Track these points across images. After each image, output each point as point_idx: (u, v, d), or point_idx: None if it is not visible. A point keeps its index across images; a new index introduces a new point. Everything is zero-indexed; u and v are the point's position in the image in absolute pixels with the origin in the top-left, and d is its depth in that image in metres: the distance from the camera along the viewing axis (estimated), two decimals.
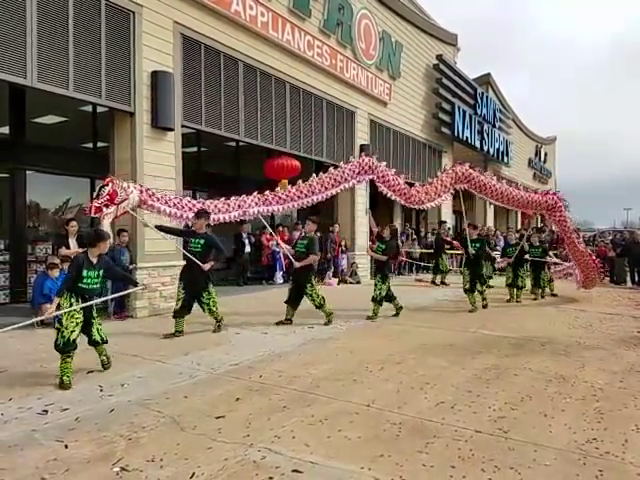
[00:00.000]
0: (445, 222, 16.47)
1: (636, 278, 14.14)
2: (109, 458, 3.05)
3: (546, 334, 6.92)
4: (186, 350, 5.75)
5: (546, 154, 31.74)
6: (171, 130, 8.26)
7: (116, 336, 6.58)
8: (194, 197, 13.24)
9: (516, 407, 4.03)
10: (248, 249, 12.27)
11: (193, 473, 2.87)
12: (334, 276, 13.15)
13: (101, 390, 4.33)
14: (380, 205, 18.82)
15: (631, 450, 3.23)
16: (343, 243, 13.45)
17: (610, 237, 17.67)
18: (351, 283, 13.25)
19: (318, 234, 10.66)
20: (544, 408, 4.00)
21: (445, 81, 17.58)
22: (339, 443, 3.31)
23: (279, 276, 12.62)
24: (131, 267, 7.76)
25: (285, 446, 3.24)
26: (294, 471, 2.91)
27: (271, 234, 12.49)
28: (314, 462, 3.02)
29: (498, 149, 21.97)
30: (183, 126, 8.67)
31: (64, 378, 4.44)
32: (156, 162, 8.09)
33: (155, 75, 7.96)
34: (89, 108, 9.46)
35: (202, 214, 6.69)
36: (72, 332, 4.56)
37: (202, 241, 6.58)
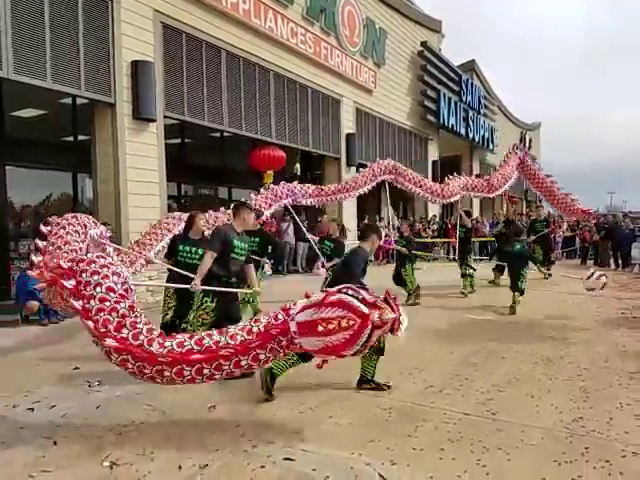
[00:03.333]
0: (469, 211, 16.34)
1: (619, 260, 14.34)
2: (99, 453, 3.03)
3: (532, 316, 7.01)
4: None
5: (531, 140, 31.93)
6: (153, 121, 8.15)
7: None
8: (179, 189, 13.17)
9: (504, 389, 4.09)
10: None
11: (179, 466, 2.86)
12: (323, 266, 13.13)
13: (89, 385, 4.29)
14: (368, 195, 18.84)
15: (615, 427, 3.30)
16: (331, 232, 13.41)
17: (594, 221, 17.85)
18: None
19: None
20: (531, 389, 4.06)
21: (430, 68, 17.56)
22: (330, 430, 3.33)
23: (267, 267, 12.57)
24: None
25: (276, 435, 3.24)
26: (285, 459, 2.92)
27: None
28: (305, 449, 3.03)
29: (483, 136, 22.05)
30: (165, 117, 8.56)
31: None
32: (138, 154, 7.98)
33: (135, 65, 7.83)
34: (69, 100, 9.28)
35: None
36: None
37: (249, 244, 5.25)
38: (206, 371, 2.96)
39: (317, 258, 12.88)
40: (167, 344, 2.96)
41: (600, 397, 3.87)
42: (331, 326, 2.74)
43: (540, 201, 16.06)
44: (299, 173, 13.19)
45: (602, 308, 7.75)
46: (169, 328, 4.70)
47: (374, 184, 9.39)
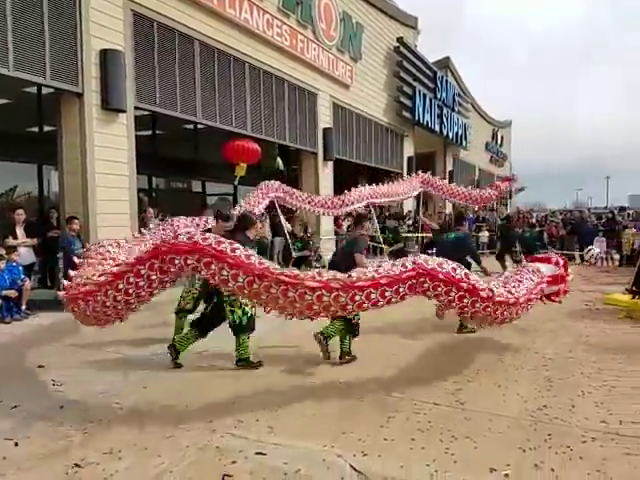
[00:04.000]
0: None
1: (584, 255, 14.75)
2: (63, 454, 2.96)
3: None
4: (145, 341, 5.59)
5: (502, 137, 32.47)
6: (123, 112, 7.95)
7: (70, 327, 6.40)
8: (150, 182, 12.96)
9: (472, 379, 4.19)
10: None
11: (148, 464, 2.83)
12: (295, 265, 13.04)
13: (54, 384, 4.17)
14: (345, 189, 18.83)
15: (577, 414, 3.43)
16: (309, 229, 13.38)
17: (561, 217, 18.35)
18: (316, 267, 13.23)
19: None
20: (498, 379, 4.18)
21: (406, 64, 17.63)
22: (302, 423, 3.35)
23: None
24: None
25: (248, 430, 3.24)
26: (257, 453, 2.92)
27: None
28: (278, 443, 3.04)
29: (457, 133, 22.28)
30: (136, 108, 8.36)
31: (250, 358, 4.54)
32: (108, 146, 7.78)
33: (104, 54, 7.62)
34: (34, 89, 9.00)
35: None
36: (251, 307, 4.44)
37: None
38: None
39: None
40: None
41: (563, 386, 4.00)
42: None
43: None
44: (282, 168, 13.11)
45: (567, 301, 7.93)
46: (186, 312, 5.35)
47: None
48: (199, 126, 11.95)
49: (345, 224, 15.56)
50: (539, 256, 5.99)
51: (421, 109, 18.46)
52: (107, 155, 7.79)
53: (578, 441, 3.03)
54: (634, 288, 7.16)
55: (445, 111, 20.69)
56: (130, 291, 3.71)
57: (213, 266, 3.59)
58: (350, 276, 3.62)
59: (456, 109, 22.06)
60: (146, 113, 9.51)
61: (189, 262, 3.65)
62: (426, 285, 3.77)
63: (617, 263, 13.58)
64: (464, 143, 23.49)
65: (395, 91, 17.41)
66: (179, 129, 12.84)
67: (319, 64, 13.04)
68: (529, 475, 2.65)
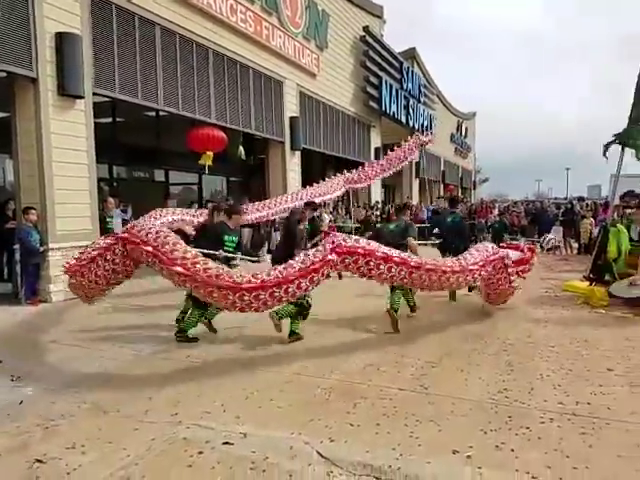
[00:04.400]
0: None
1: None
2: (23, 450, 2.88)
3: (463, 296, 7.31)
4: (108, 333, 5.49)
5: (467, 129, 33.01)
6: (81, 98, 7.67)
7: (30, 322, 6.21)
8: (110, 171, 12.61)
9: (436, 365, 4.28)
10: None
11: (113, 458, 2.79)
12: (268, 252, 12.98)
13: (12, 380, 4.04)
14: (313, 179, 18.80)
15: (535, 397, 3.55)
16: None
17: (522, 207, 18.87)
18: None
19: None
20: (461, 364, 4.28)
21: (372, 54, 17.63)
22: (270, 412, 3.35)
23: None
24: (41, 249, 7.21)
25: (215, 420, 3.23)
26: (225, 443, 2.91)
27: None
28: (245, 432, 3.04)
29: (423, 124, 22.44)
30: (95, 94, 8.08)
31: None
32: (65, 133, 7.50)
33: (60, 37, 7.32)
34: None
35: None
36: None
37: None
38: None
39: (262, 244, 12.82)
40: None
41: (523, 370, 4.13)
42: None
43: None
44: (244, 157, 12.96)
45: (528, 287, 8.20)
46: None
47: None
48: (161, 113, 11.68)
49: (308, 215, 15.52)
50: (511, 244, 7.32)
51: (388, 99, 18.55)
52: (65, 143, 7.52)
53: (537, 422, 3.14)
54: (591, 275, 7.42)
55: (411, 102, 20.85)
56: (107, 267, 4.65)
57: (151, 259, 4.35)
58: (279, 270, 4.19)
59: (422, 100, 22.26)
60: (106, 99, 9.22)
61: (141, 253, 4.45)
62: (347, 260, 4.44)
63: (575, 251, 14.08)
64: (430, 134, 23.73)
65: (362, 81, 17.43)
66: (141, 116, 12.51)
67: (285, 52, 12.91)
68: (490, 456, 2.73)
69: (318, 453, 2.77)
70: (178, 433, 3.05)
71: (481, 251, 5.48)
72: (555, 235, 14.61)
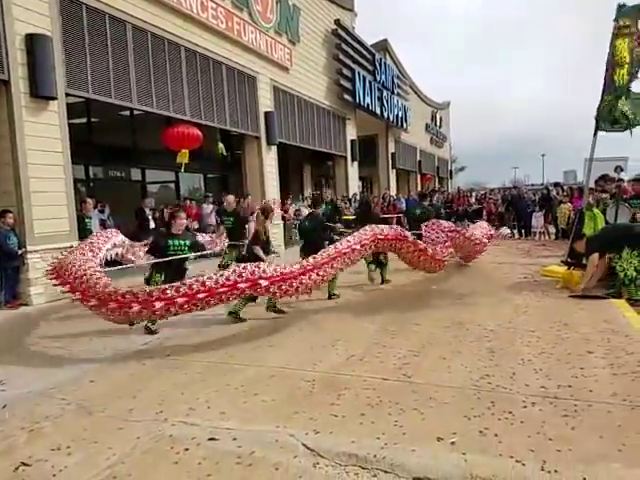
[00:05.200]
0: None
1: (522, 230, 15.50)
2: (8, 453, 2.86)
3: (443, 285, 7.43)
4: (90, 334, 5.45)
5: (441, 119, 33.25)
6: (54, 99, 7.56)
7: (11, 326, 6.13)
8: (86, 171, 12.43)
9: (418, 353, 4.33)
10: (152, 225, 11.70)
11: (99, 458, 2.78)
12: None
13: None
14: (291, 172, 18.86)
15: (517, 382, 3.61)
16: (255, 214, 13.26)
17: (499, 194, 19.13)
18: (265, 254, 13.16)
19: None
20: (443, 352, 4.34)
21: (344, 47, 17.63)
22: (255, 407, 3.37)
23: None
24: (20, 252, 7.12)
25: (200, 417, 3.23)
26: (210, 439, 2.92)
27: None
28: (230, 428, 3.05)
29: (397, 115, 22.59)
30: (68, 94, 7.97)
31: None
32: (39, 135, 7.39)
33: (30, 38, 7.20)
34: None
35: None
36: None
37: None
38: None
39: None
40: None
41: (504, 355, 4.20)
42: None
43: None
44: (224, 153, 12.88)
45: (507, 274, 8.36)
46: None
47: None
48: (136, 112, 11.55)
49: (292, 209, 15.57)
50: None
51: (361, 92, 18.58)
52: (39, 145, 7.41)
53: (519, 406, 3.19)
54: (569, 259, 7.54)
55: (385, 93, 20.91)
56: None
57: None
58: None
59: (396, 91, 22.34)
60: (79, 100, 9.08)
61: None
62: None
63: (553, 237, 14.35)
64: (405, 125, 23.89)
65: (335, 74, 17.43)
66: (115, 116, 12.37)
67: (257, 47, 12.84)
68: (474, 441, 2.78)
69: (304, 445, 2.80)
70: (163, 431, 3.05)
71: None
72: (537, 222, 14.86)
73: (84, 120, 12.04)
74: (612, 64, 7.47)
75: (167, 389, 3.74)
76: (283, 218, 14.61)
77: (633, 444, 2.68)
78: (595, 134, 7.79)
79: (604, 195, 8.59)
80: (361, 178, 21.64)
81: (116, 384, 3.92)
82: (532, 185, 37.97)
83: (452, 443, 2.76)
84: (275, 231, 13.85)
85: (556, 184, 22.53)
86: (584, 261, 7.03)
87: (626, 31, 7.39)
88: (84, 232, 8.69)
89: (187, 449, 2.82)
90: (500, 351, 4.30)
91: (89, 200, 9.57)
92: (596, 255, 6.49)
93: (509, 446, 2.71)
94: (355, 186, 19.59)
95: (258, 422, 3.11)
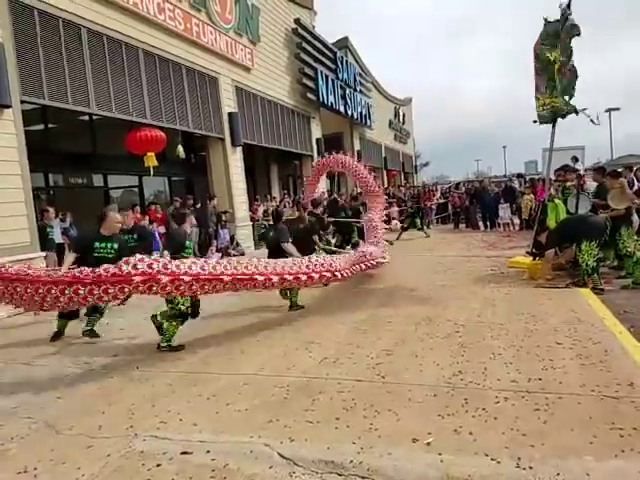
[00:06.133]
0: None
1: (487, 222, 15.80)
2: None
3: (412, 281, 7.48)
4: (55, 349, 5.27)
5: (404, 115, 33.60)
6: (8, 107, 7.28)
7: None
8: (46, 179, 12.03)
9: (391, 352, 4.34)
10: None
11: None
12: (217, 251, 12.81)
13: None
14: (257, 173, 18.71)
15: (489, 377, 3.65)
16: (223, 217, 13.12)
17: (464, 188, 19.44)
18: (235, 255, 13.04)
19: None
20: (415, 349, 4.36)
21: (305, 45, 17.61)
22: (228, 417, 3.31)
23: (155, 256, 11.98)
24: None
25: (172, 430, 3.16)
26: (183, 453, 2.85)
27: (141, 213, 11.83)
28: (203, 440, 2.98)
29: (361, 112, 22.71)
30: (23, 102, 7.70)
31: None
32: None
33: None
34: None
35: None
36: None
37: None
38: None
39: (210, 243, 12.63)
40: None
41: (475, 350, 4.25)
42: None
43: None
44: (183, 156, 12.68)
45: (474, 267, 8.49)
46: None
47: None
48: (95, 117, 11.24)
49: (261, 209, 15.45)
50: None
51: (324, 90, 18.60)
52: None
53: (492, 402, 3.22)
54: (534, 250, 7.69)
55: (348, 91, 20.98)
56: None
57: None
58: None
59: (358, 89, 22.46)
60: (36, 106, 8.77)
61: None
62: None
63: (517, 227, 14.68)
64: (369, 122, 24.04)
65: (297, 73, 17.39)
66: (74, 121, 12.00)
67: (217, 48, 12.69)
68: (450, 441, 2.78)
69: (279, 454, 2.76)
70: (134, 446, 2.97)
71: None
72: (504, 213, 15.19)
73: (41, 127, 11.66)
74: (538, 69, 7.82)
75: (137, 402, 3.64)
76: (252, 219, 14.49)
77: (603, 436, 2.74)
78: (554, 126, 7.97)
79: (569, 184, 8.76)
80: (328, 177, 21.64)
81: (84, 400, 3.80)
82: (495, 177, 38.80)
83: (427, 444, 2.77)
84: (244, 232, 13.77)
85: (519, 175, 23.04)
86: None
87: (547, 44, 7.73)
88: (47, 242, 8.43)
89: (159, 464, 2.75)
90: (471, 346, 4.34)
91: (50, 209, 9.28)
92: (551, 251, 6.75)
93: (484, 444, 2.72)
94: (322, 185, 19.56)
95: (232, 433, 3.06)
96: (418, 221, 14.96)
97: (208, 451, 2.86)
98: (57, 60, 8.27)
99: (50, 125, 11.97)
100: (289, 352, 4.58)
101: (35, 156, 8.04)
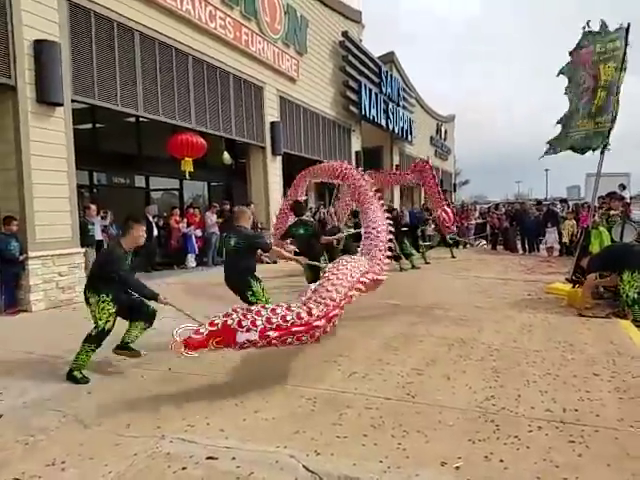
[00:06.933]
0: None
1: (526, 245, 15.40)
2: (2, 468, 2.79)
3: (447, 301, 7.33)
4: None
5: (446, 131, 33.28)
6: (60, 105, 7.56)
7: (9, 333, 6.07)
8: (90, 177, 12.43)
9: (422, 372, 4.24)
10: (156, 232, 11.65)
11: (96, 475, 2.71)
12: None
13: None
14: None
15: (523, 404, 3.53)
16: (259, 225, 13.23)
17: (504, 209, 19.05)
18: (267, 263, 13.10)
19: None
20: (447, 371, 4.25)
21: (351, 59, 17.70)
22: (255, 425, 3.29)
23: (192, 259, 12.20)
24: (21, 257, 7.09)
25: (199, 434, 3.16)
26: (208, 458, 2.85)
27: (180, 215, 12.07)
28: (229, 447, 2.97)
29: (402, 127, 22.60)
30: (74, 101, 7.98)
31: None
32: (44, 141, 7.38)
33: (39, 45, 7.21)
34: None
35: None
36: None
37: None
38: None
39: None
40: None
41: (509, 375, 4.12)
42: None
43: None
44: (229, 162, 12.88)
45: (511, 291, 8.28)
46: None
47: None
48: (141, 119, 11.56)
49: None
50: None
51: (367, 103, 18.61)
52: (44, 150, 7.40)
53: (525, 430, 3.11)
54: (574, 277, 7.46)
55: (391, 106, 20.94)
56: None
57: None
58: None
59: (401, 104, 22.38)
60: (85, 106, 9.09)
61: None
62: None
63: (557, 253, 14.26)
64: (410, 138, 23.90)
65: (341, 85, 17.48)
66: (121, 122, 12.39)
67: (264, 57, 12.89)
68: (479, 467, 2.70)
69: (304, 467, 2.72)
70: (161, 448, 2.98)
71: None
72: (550, 237, 14.84)
73: (89, 126, 12.08)
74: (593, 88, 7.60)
75: (166, 404, 3.67)
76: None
77: None
78: (602, 152, 7.74)
79: (613, 212, 8.47)
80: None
81: (114, 396, 3.85)
82: (536, 200, 37.92)
83: (457, 468, 2.68)
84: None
85: (563, 200, 22.46)
86: None
87: (608, 55, 7.50)
88: (87, 239, 8.68)
89: (185, 468, 2.75)
90: (505, 371, 4.22)
91: (92, 206, 9.58)
92: (592, 276, 6.51)
93: (515, 473, 2.63)
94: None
95: (258, 441, 3.04)
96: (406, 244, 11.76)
97: (234, 458, 2.84)
98: (109, 62, 8.56)
99: (98, 125, 12.39)
100: (317, 364, 4.54)
101: (81, 154, 8.30)
